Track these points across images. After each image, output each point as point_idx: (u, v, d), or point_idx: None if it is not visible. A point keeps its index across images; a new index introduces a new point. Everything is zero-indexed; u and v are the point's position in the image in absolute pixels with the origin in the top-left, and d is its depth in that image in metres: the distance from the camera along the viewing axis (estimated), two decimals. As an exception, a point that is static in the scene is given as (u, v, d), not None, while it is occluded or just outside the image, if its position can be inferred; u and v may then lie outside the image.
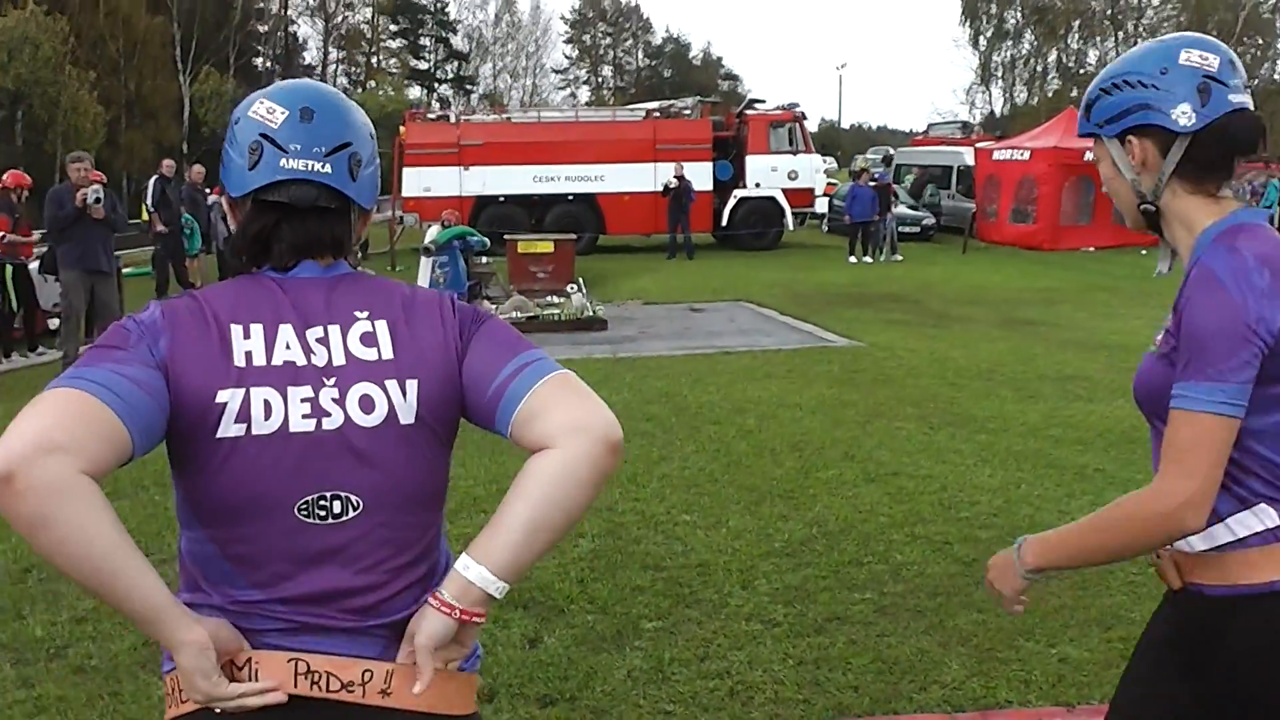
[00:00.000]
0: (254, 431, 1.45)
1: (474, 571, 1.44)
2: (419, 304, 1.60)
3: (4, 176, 11.19)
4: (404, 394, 1.52)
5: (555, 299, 14.06)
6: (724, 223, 24.00)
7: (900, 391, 8.87)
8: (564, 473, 1.43)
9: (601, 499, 5.93)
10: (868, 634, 4.27)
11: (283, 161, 1.53)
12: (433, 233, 13.81)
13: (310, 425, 1.47)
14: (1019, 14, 53.54)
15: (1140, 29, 50.56)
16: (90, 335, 10.58)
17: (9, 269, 10.88)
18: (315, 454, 1.48)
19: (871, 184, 22.56)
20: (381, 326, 1.55)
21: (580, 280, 15.21)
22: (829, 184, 28.47)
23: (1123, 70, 1.86)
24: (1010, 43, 54.83)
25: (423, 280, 13.08)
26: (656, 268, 20.23)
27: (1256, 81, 48.24)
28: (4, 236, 10.69)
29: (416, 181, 22.86)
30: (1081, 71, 52.06)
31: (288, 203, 1.53)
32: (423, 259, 13.34)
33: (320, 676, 1.46)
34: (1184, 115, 1.78)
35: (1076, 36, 52.07)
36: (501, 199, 23.06)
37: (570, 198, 23.35)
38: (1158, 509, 1.71)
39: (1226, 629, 1.82)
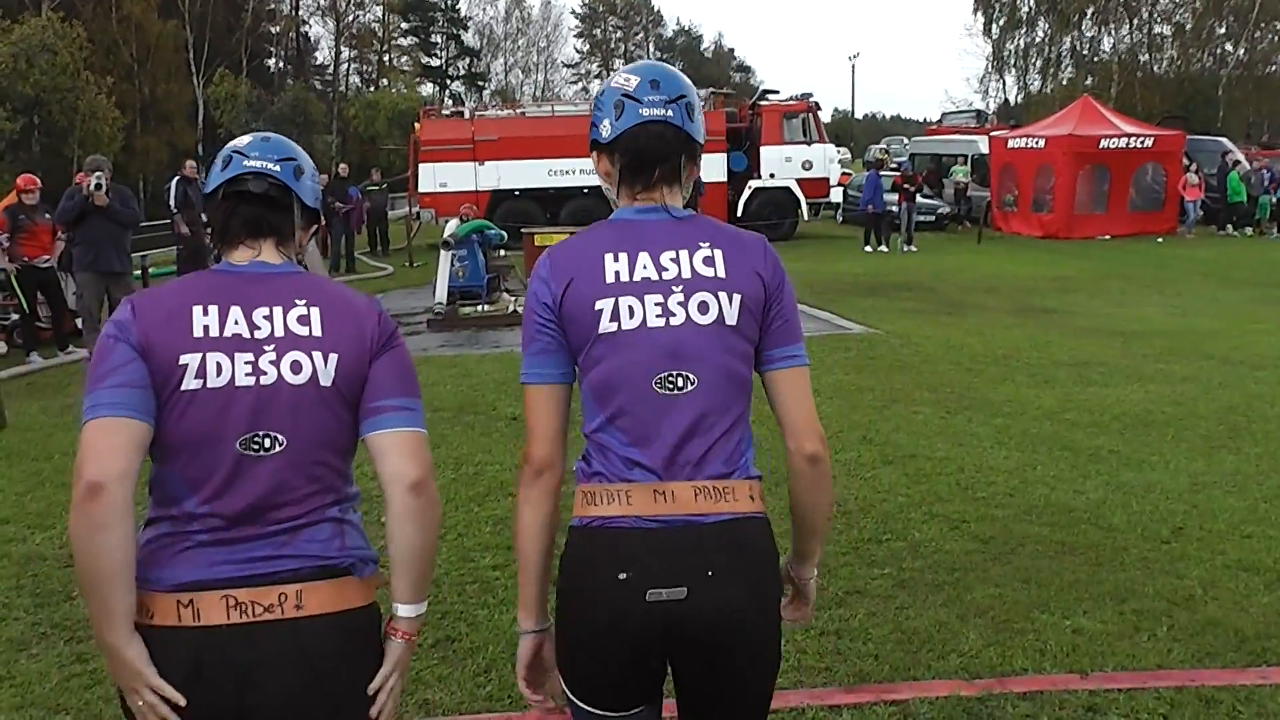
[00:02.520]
0: (208, 385, 1.92)
1: (396, 608, 2.04)
2: (349, 303, 2.08)
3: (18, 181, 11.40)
4: (325, 363, 1.99)
5: (573, 291, 14.19)
6: (739, 214, 24.07)
7: (917, 377, 8.98)
8: (401, 528, 1.98)
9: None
10: (887, 607, 4.40)
11: (245, 163, 2.06)
12: (451, 227, 13.91)
13: (251, 381, 1.94)
14: (1031, 2, 53.26)
15: (1155, 15, 50.25)
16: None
17: (14, 272, 11.06)
18: (254, 403, 1.94)
19: (893, 172, 22.59)
20: (315, 311, 2.02)
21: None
22: (843, 174, 28.50)
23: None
24: (1023, 31, 54.49)
25: (442, 273, 13.22)
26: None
27: (1273, 68, 47.94)
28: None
29: (432, 177, 23.02)
30: (1096, 59, 51.77)
31: (246, 190, 2.05)
32: (442, 253, 13.46)
33: (247, 606, 1.89)
34: (605, 129, 2.10)
35: (1090, 24, 51.72)
36: (517, 193, 23.20)
37: (585, 190, 23.43)
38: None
39: None
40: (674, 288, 2.03)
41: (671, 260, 2.05)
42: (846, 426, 7.31)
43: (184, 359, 1.92)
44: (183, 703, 1.86)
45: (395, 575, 2.01)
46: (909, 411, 7.75)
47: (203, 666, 1.87)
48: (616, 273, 2.03)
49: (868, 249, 21.61)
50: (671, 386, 2.01)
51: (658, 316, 2.01)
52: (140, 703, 1.86)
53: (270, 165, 2.06)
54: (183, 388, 1.91)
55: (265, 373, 1.95)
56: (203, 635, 1.88)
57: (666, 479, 2.00)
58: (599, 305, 2.01)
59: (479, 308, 13.19)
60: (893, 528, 5.34)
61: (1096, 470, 6.30)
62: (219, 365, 1.93)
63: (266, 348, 1.96)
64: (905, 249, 21.58)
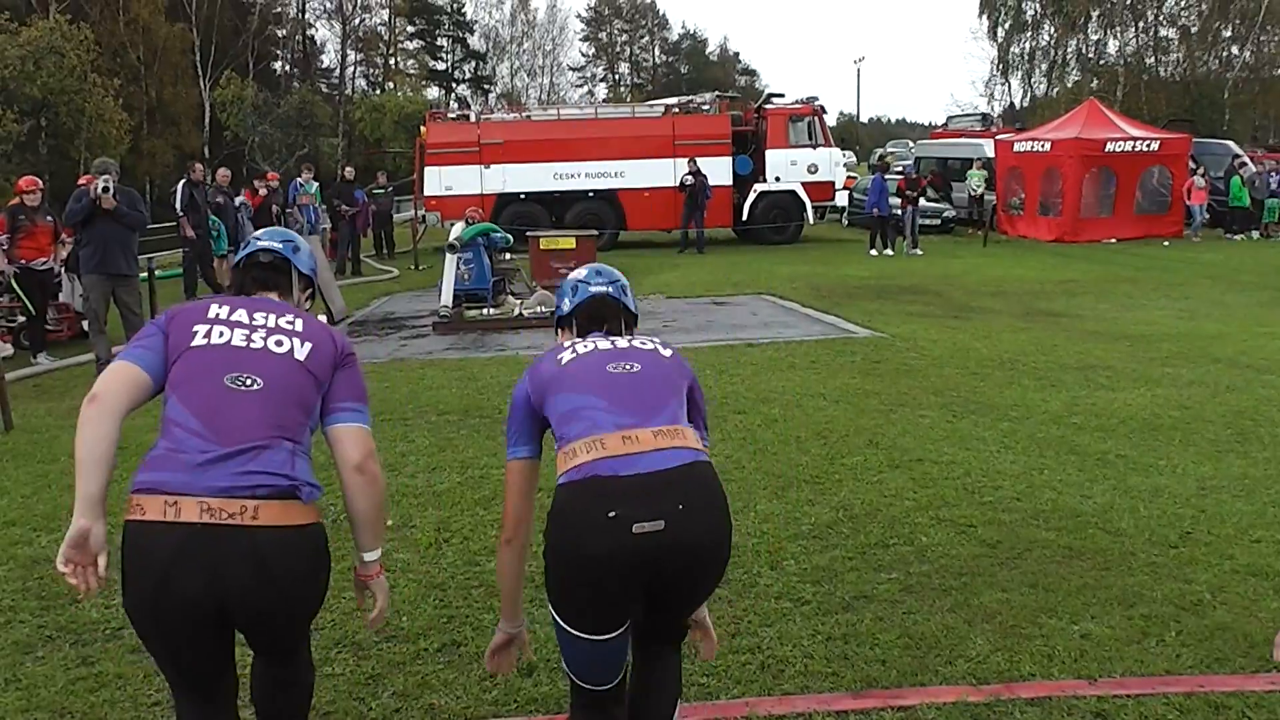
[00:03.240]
0: (211, 342, 2.71)
1: (359, 554, 2.86)
2: (322, 324, 2.89)
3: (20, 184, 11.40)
4: (301, 346, 2.76)
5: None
6: (744, 217, 24.07)
7: (923, 381, 8.96)
8: (352, 497, 2.77)
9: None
10: (894, 611, 4.38)
11: (258, 244, 3.04)
12: (457, 230, 13.91)
13: (242, 344, 2.71)
14: (1037, 5, 53.08)
15: (1160, 18, 50.10)
16: (128, 336, 10.70)
17: (14, 274, 11.05)
18: (242, 355, 2.70)
19: (898, 175, 22.52)
20: (299, 321, 2.83)
21: (603, 276, 15.30)
22: (849, 177, 28.44)
23: None
24: (1029, 34, 54.32)
25: (448, 276, 13.21)
26: (678, 263, 20.32)
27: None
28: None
29: (438, 180, 23.03)
30: (1102, 63, 51.62)
31: (257, 261, 3.00)
32: (447, 255, 13.45)
33: (216, 511, 2.49)
34: (566, 304, 3.12)
35: (1096, 27, 51.55)
36: (522, 196, 23.19)
37: (591, 194, 23.46)
38: None
39: None
40: (619, 348, 2.92)
41: (617, 341, 2.96)
42: (853, 430, 7.29)
43: (196, 328, 2.72)
44: (70, 574, 2.52)
45: (355, 532, 2.82)
46: (915, 415, 7.73)
47: (181, 555, 2.46)
48: (574, 346, 2.93)
49: (873, 252, 21.57)
50: (628, 366, 2.84)
51: (611, 359, 2.87)
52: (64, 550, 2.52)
53: (274, 244, 3.03)
54: (191, 345, 2.69)
55: (254, 343, 2.72)
56: (184, 531, 2.47)
57: (631, 428, 2.67)
58: (562, 358, 2.89)
59: (484, 311, 13.18)
60: (899, 532, 5.32)
61: (1104, 474, 6.28)
62: (220, 332, 2.72)
63: (259, 330, 2.75)
64: (910, 252, 21.55)
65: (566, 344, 2.95)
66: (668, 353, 2.95)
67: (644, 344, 2.95)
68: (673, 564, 2.58)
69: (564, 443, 2.68)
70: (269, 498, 2.53)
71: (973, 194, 27.02)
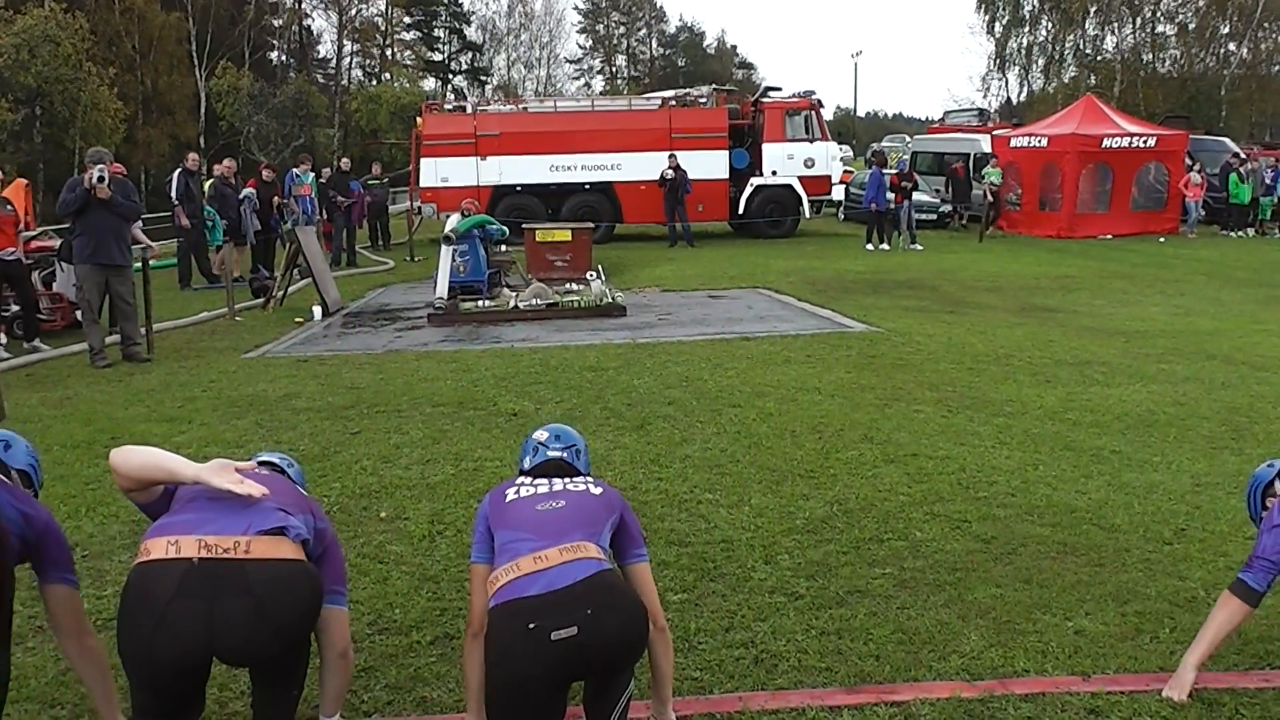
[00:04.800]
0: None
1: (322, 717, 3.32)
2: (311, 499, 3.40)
3: None
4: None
5: (575, 286, 14.14)
6: (740, 211, 24.04)
7: (918, 376, 8.95)
8: (329, 675, 3.26)
9: (626, 479, 6.06)
10: (888, 606, 4.38)
11: (262, 456, 3.54)
12: (453, 222, 13.87)
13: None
14: (1034, 0, 53.16)
15: (1158, 14, 50.11)
16: (114, 325, 10.63)
17: None
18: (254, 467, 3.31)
19: (892, 170, 22.46)
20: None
21: (599, 268, 15.29)
22: (845, 171, 28.37)
23: None
24: (1026, 29, 54.36)
25: (443, 268, 13.19)
26: (673, 256, 20.30)
27: (1277, 68, 47.82)
28: None
29: (434, 172, 22.96)
30: (1099, 58, 51.63)
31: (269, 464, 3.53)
32: (443, 248, 13.42)
33: (213, 547, 2.83)
34: (526, 462, 3.54)
35: (1093, 22, 51.57)
36: (518, 189, 23.14)
37: (587, 187, 23.42)
38: None
39: None
40: (553, 490, 3.34)
41: (554, 483, 3.39)
42: (848, 425, 7.28)
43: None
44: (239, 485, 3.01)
45: (324, 701, 3.27)
46: (910, 410, 7.72)
47: (180, 591, 2.75)
48: (519, 487, 3.38)
49: (869, 247, 21.55)
50: (555, 504, 3.24)
51: (541, 500, 3.28)
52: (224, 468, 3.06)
53: (274, 459, 3.55)
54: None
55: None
56: (184, 566, 2.78)
57: (542, 549, 3.05)
58: (508, 494, 3.34)
59: (480, 303, 13.15)
60: (894, 527, 5.31)
61: (1098, 470, 6.28)
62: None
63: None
64: (908, 247, 21.51)
65: (518, 481, 3.40)
66: (598, 490, 3.33)
67: (577, 485, 3.35)
68: (591, 660, 2.95)
69: (494, 570, 3.11)
70: (260, 534, 2.89)
71: (990, 189, 26.58)
